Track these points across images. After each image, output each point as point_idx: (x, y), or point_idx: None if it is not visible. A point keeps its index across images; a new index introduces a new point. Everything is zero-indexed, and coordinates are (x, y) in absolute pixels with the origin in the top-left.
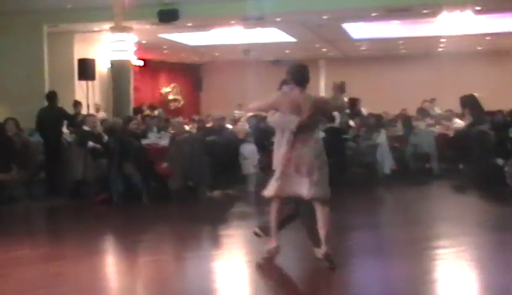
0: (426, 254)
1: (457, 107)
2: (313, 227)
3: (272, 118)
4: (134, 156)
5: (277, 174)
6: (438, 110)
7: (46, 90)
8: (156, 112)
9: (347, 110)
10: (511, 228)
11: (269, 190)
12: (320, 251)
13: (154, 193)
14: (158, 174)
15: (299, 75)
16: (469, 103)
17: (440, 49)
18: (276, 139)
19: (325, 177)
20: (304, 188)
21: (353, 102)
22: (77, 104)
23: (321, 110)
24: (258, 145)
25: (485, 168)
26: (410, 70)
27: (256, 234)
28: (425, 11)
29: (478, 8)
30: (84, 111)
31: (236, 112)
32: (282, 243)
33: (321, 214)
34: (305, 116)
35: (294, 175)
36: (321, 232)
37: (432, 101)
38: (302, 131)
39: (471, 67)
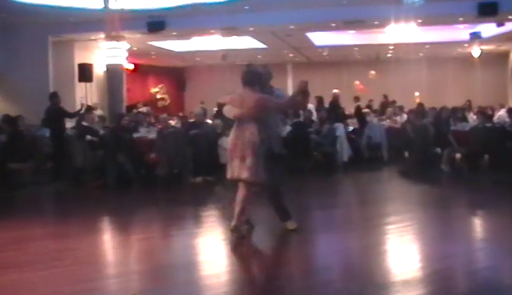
0: (377, 229)
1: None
2: (278, 204)
3: (224, 109)
4: (125, 147)
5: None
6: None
7: (51, 90)
8: (145, 109)
9: (311, 106)
10: (445, 205)
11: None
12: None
13: (143, 179)
14: (146, 162)
15: (243, 77)
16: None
17: (389, 55)
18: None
19: (257, 164)
20: (240, 171)
21: (320, 101)
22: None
23: (262, 107)
24: None
25: (425, 156)
26: (363, 73)
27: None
28: (376, 22)
29: (420, 20)
30: None
31: (215, 109)
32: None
33: (240, 194)
34: (244, 110)
35: (235, 159)
36: (237, 208)
37: (385, 97)
38: (241, 122)
39: (415, 71)
